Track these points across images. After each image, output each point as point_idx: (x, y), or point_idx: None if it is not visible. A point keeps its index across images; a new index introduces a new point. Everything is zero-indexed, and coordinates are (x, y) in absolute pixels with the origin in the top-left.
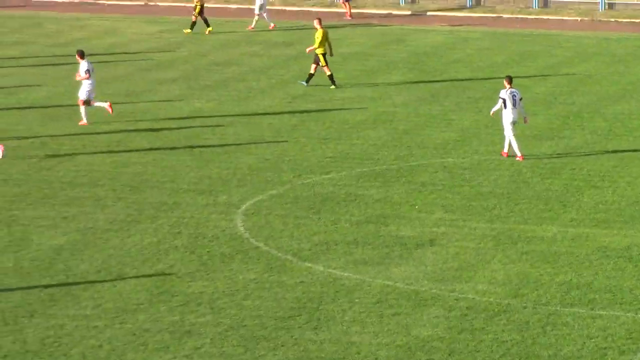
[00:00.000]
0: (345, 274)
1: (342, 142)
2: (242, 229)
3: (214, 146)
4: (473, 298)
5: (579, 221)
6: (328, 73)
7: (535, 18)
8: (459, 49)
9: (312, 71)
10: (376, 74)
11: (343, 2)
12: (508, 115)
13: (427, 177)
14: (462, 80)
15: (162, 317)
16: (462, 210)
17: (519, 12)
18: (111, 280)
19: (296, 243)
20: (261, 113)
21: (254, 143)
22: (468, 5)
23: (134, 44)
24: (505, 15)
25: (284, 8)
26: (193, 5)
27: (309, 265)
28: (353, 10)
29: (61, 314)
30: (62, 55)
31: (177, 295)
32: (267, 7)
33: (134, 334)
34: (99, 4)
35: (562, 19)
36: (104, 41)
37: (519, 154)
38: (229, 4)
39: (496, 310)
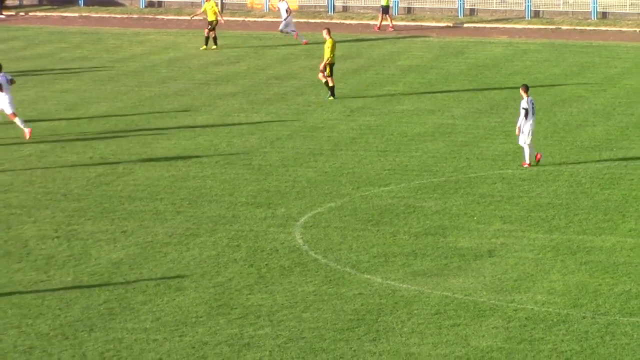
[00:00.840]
0: (404, 286)
1: (400, 155)
2: (300, 241)
3: (272, 159)
4: (532, 308)
5: (638, 231)
6: (331, 84)
7: (593, 29)
8: (517, 60)
9: (330, 83)
10: (435, 87)
11: (383, 15)
12: (529, 124)
13: (485, 188)
14: None
15: (221, 329)
16: (521, 221)
17: (578, 24)
18: (170, 294)
19: (355, 255)
20: (320, 126)
21: (313, 156)
22: (527, 17)
23: (194, 58)
24: (563, 27)
25: (342, 22)
26: (210, 20)
27: (368, 277)
28: (412, 23)
29: (120, 327)
30: (122, 72)
31: (236, 308)
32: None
33: (193, 347)
34: (158, 19)
35: (621, 30)
36: (163, 56)
37: (527, 161)
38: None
39: (555, 320)
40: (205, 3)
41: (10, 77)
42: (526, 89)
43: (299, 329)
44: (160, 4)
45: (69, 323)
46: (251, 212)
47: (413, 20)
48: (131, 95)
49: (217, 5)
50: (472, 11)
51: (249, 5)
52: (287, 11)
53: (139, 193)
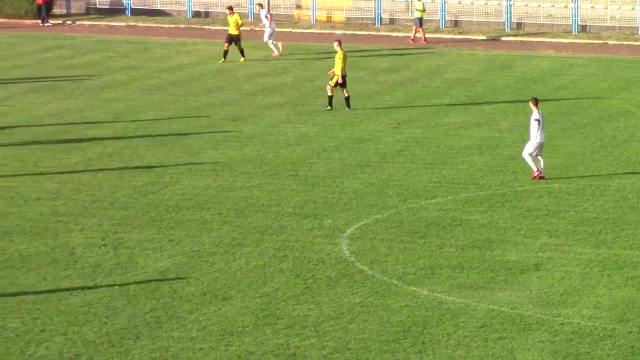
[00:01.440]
0: (450, 298)
1: (447, 167)
2: (347, 252)
3: (319, 171)
4: (578, 323)
5: None
6: (329, 94)
7: None
8: (564, 75)
9: (345, 94)
10: (482, 100)
11: (417, 27)
12: (540, 136)
13: (532, 202)
14: (568, 106)
15: (267, 340)
16: (568, 235)
17: (625, 39)
18: (216, 303)
19: (401, 267)
20: (367, 138)
21: (360, 167)
22: (574, 32)
23: (241, 69)
24: (610, 42)
25: (389, 34)
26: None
27: (414, 289)
28: (460, 37)
29: (167, 336)
30: (169, 81)
31: (282, 318)
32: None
33: (239, 357)
34: (205, 29)
35: None
36: (210, 66)
37: (535, 169)
38: (334, 30)
39: (601, 335)
40: (229, 16)
41: None
42: (536, 102)
43: (345, 340)
44: (207, 15)
45: (116, 331)
46: (298, 223)
47: (460, 33)
48: (178, 105)
49: (241, 18)
50: (519, 25)
51: (296, 17)
52: (266, 17)
53: (186, 202)
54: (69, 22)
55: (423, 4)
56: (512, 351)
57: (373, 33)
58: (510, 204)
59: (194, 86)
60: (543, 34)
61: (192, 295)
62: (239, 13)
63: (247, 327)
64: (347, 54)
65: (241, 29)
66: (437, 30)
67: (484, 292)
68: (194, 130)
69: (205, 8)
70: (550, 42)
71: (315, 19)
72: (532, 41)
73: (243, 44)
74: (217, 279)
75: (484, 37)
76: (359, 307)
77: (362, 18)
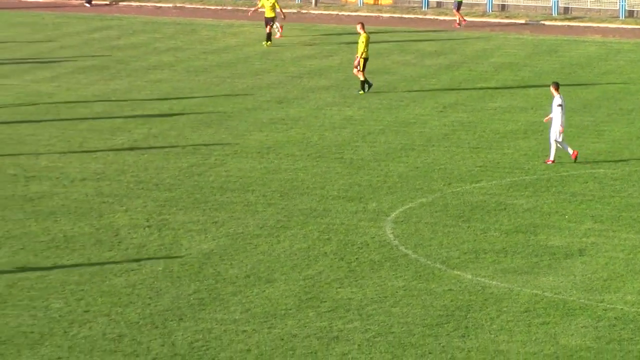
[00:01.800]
0: (494, 283)
1: (492, 152)
2: (391, 236)
3: (364, 154)
4: (622, 309)
5: None
6: (362, 79)
7: None
8: (611, 60)
9: (361, 77)
10: (528, 84)
11: (455, 10)
12: (563, 120)
13: (577, 187)
14: (614, 91)
15: (310, 322)
16: (612, 220)
17: None
18: (260, 285)
19: (445, 251)
20: (412, 121)
21: (405, 151)
22: (621, 17)
23: (287, 51)
24: None
25: (436, 17)
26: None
27: (458, 273)
28: (506, 20)
29: (210, 318)
30: (216, 63)
31: (325, 301)
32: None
33: (282, 339)
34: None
35: None
36: (256, 48)
37: (570, 151)
38: (381, 13)
39: None
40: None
41: None
42: (557, 86)
43: (388, 324)
44: None
45: (159, 312)
46: (342, 206)
47: (507, 17)
48: (224, 87)
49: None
50: (566, 9)
51: (343, 0)
52: None
53: (231, 184)
54: (116, 3)
55: None
56: (555, 336)
57: (420, 16)
58: (555, 189)
59: (240, 68)
60: (590, 19)
61: (236, 277)
62: None
63: (290, 309)
64: (394, 36)
65: (279, 11)
66: (484, 14)
67: (527, 276)
68: (240, 112)
69: None
70: (597, 27)
71: (363, 2)
72: (578, 26)
73: (289, 25)
74: (260, 261)
75: (531, 21)
76: (403, 291)
77: (409, 1)
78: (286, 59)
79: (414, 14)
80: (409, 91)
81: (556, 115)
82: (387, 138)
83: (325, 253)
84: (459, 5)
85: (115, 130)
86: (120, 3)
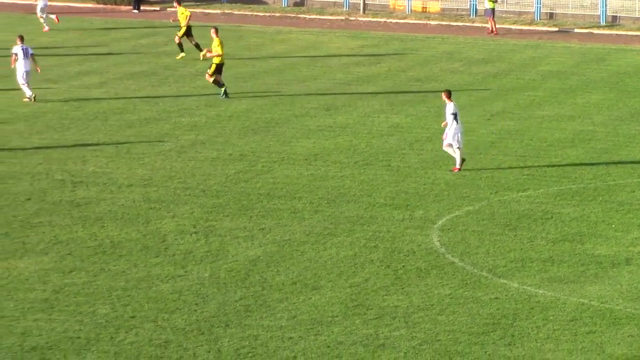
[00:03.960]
0: (540, 291)
1: (539, 160)
2: (437, 244)
3: (411, 161)
4: None
5: None
6: (211, 81)
7: None
8: None
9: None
10: (576, 93)
11: (490, 18)
12: (456, 128)
13: (624, 196)
14: None
15: (357, 329)
16: None
17: None
18: (306, 292)
19: (491, 259)
20: None
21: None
22: None
23: (335, 58)
24: None
25: (484, 25)
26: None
27: (504, 281)
28: (554, 29)
29: (256, 324)
30: (263, 70)
31: (371, 309)
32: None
33: (328, 346)
34: (300, 18)
35: None
36: (305, 55)
37: (457, 165)
38: (429, 21)
39: None
40: (178, 8)
41: (31, 52)
42: (449, 94)
43: (434, 332)
44: (302, 3)
45: (205, 318)
46: (389, 214)
47: (555, 25)
48: (271, 94)
49: (187, 10)
50: (614, 18)
51: (391, 7)
52: None
53: (278, 191)
54: (158, 9)
55: None
56: (602, 345)
57: (468, 24)
58: (602, 198)
59: (287, 75)
60: (638, 28)
61: (282, 284)
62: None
63: (336, 316)
64: (442, 43)
65: (189, 19)
66: (532, 22)
67: (574, 285)
68: (287, 119)
69: None
70: None
71: (411, 10)
72: (627, 35)
73: (336, 32)
74: (307, 268)
75: (579, 30)
76: (449, 299)
77: (457, 9)
78: (334, 66)
79: (461, 21)
80: (456, 100)
81: (451, 123)
82: (434, 146)
83: (372, 260)
84: (493, 12)
85: (163, 136)
86: (168, 9)
